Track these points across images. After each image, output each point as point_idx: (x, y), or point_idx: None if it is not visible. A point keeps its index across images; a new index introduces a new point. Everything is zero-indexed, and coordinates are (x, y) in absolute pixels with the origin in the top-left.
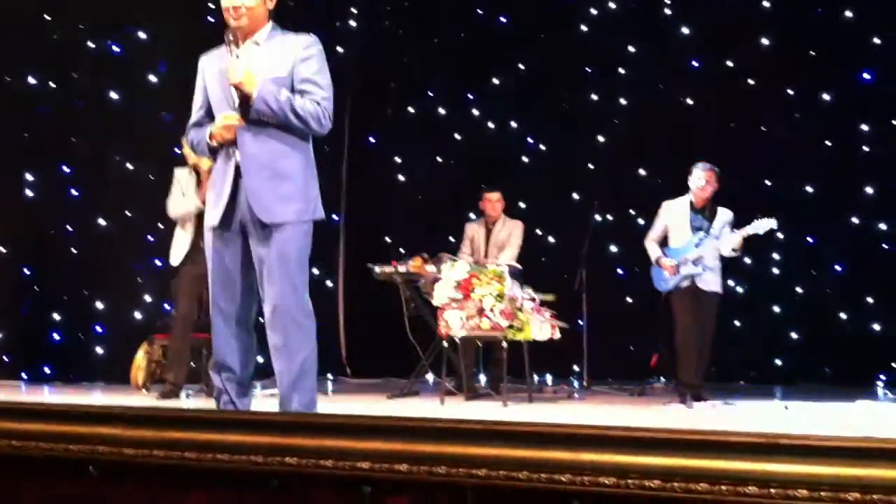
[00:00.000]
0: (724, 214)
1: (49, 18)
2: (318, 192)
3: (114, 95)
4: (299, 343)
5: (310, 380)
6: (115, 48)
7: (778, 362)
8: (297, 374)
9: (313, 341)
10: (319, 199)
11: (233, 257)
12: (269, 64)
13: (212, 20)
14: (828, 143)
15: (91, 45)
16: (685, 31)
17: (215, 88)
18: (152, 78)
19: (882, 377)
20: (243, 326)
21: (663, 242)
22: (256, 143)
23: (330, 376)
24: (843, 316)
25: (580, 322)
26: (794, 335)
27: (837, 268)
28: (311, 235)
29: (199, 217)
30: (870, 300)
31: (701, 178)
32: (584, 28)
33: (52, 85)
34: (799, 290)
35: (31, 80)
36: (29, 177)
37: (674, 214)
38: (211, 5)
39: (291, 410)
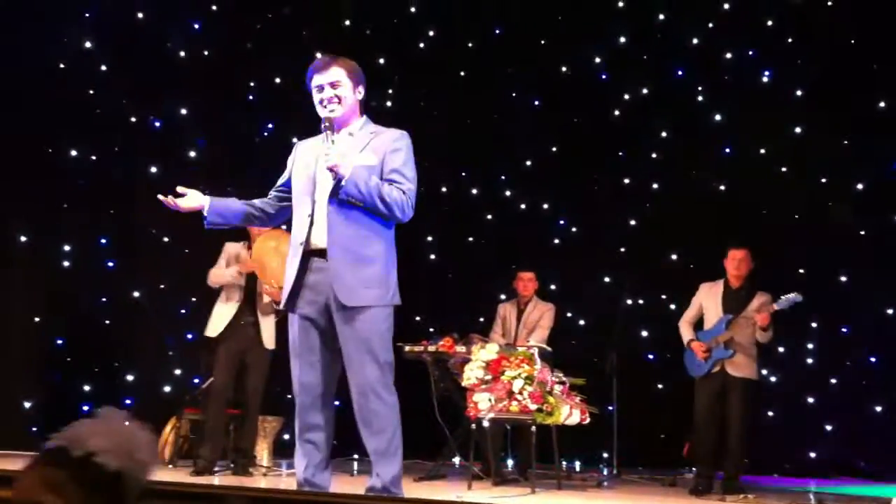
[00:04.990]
0: (762, 297)
1: (92, 92)
2: (396, 277)
3: (153, 169)
4: (385, 420)
5: (397, 454)
6: (155, 123)
7: (812, 454)
8: (384, 451)
9: (398, 416)
10: (397, 285)
11: (317, 334)
12: (361, 153)
13: (251, 98)
14: (862, 232)
15: (132, 119)
16: (718, 117)
17: (301, 175)
18: (191, 153)
19: None
20: (325, 402)
21: (698, 325)
22: (343, 225)
23: (356, 456)
24: (878, 408)
25: (610, 407)
26: (828, 427)
27: (872, 359)
28: (391, 318)
29: (245, 292)
30: None
31: (735, 258)
32: (617, 112)
33: (93, 157)
34: (833, 380)
35: (73, 152)
36: (66, 247)
37: (709, 296)
38: (252, 83)
39: (379, 485)
